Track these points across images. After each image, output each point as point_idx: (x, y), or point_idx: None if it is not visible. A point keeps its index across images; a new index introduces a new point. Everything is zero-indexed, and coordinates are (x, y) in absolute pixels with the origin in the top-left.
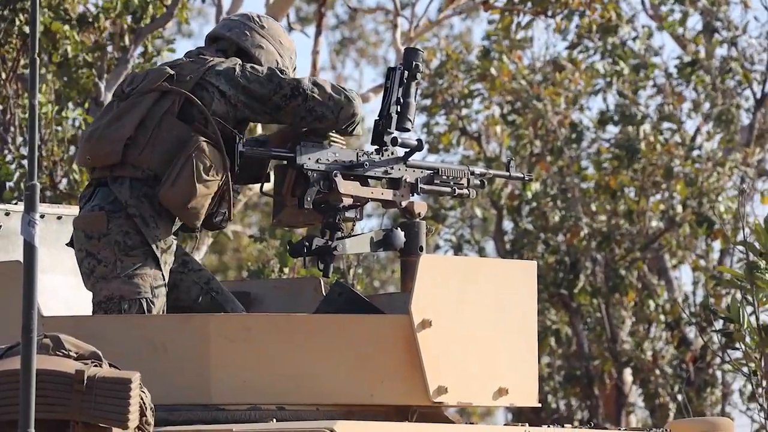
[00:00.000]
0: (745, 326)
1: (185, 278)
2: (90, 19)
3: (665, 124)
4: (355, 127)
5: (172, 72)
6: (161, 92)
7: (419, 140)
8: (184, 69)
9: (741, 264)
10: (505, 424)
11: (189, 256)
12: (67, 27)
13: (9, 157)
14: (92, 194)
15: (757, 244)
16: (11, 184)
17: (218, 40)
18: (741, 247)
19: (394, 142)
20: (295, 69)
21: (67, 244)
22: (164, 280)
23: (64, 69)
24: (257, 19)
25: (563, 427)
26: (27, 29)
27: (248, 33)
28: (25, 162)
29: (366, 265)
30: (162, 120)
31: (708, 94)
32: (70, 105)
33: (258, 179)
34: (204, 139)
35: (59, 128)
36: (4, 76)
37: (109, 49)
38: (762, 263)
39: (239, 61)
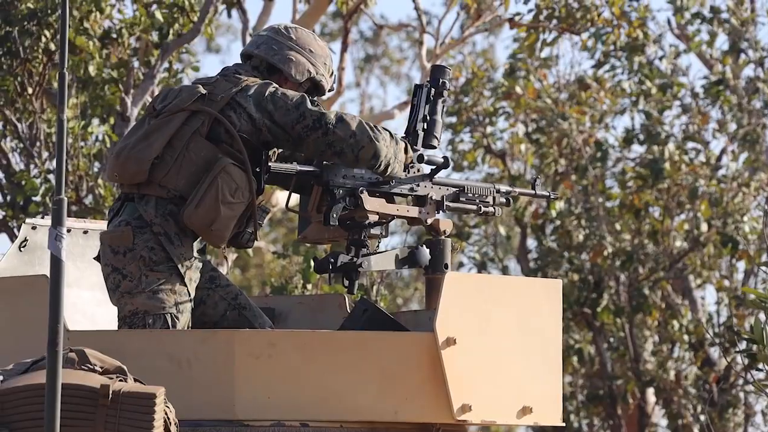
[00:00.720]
0: None
1: (212, 294)
2: (114, 35)
3: (690, 144)
4: (384, 169)
5: (204, 91)
6: (191, 111)
7: (445, 157)
8: (216, 88)
9: (766, 285)
10: None
11: (217, 271)
12: (91, 43)
13: (35, 172)
14: (120, 208)
15: None
16: (37, 198)
17: (251, 57)
18: (765, 268)
19: (421, 159)
20: (332, 74)
21: (95, 258)
22: (189, 296)
23: (89, 85)
24: (284, 32)
25: None
26: (52, 45)
27: (276, 47)
28: (50, 176)
29: (389, 282)
30: (190, 140)
31: (734, 115)
32: (95, 120)
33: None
34: (230, 160)
35: (85, 143)
36: (30, 90)
37: (135, 64)
38: None
39: (272, 85)
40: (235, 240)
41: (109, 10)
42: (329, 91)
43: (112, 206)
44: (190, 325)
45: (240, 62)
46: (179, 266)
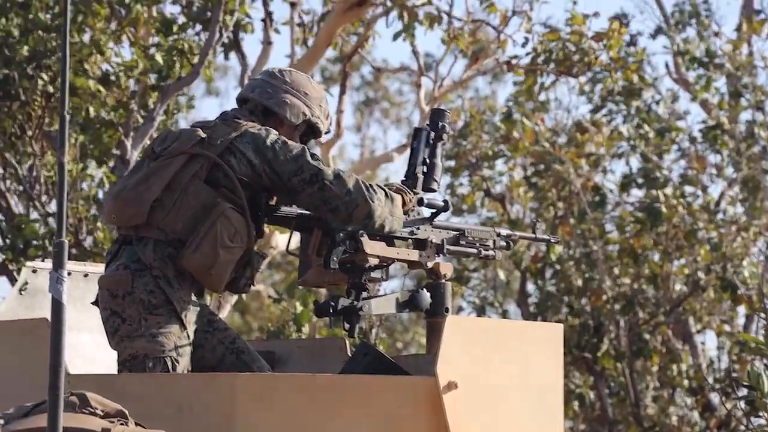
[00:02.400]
0: None
1: (211, 337)
2: (112, 78)
3: (688, 188)
4: (380, 227)
5: (203, 135)
6: (191, 155)
7: (445, 201)
8: (215, 132)
9: (765, 331)
10: None
11: (215, 315)
12: (91, 82)
13: (35, 215)
14: (118, 251)
15: None
16: (37, 241)
17: (247, 102)
18: (764, 314)
19: (421, 202)
20: (328, 117)
21: (92, 303)
22: (189, 339)
23: (88, 128)
24: (279, 75)
25: None
26: (51, 87)
27: (271, 91)
28: (50, 219)
29: (388, 326)
30: (189, 184)
31: (732, 159)
32: (93, 163)
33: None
34: (229, 205)
35: (84, 186)
36: (30, 133)
37: (134, 107)
38: None
39: (273, 133)
40: (233, 285)
41: (109, 53)
42: (326, 133)
43: (109, 249)
44: (190, 369)
45: (237, 108)
46: (178, 309)
